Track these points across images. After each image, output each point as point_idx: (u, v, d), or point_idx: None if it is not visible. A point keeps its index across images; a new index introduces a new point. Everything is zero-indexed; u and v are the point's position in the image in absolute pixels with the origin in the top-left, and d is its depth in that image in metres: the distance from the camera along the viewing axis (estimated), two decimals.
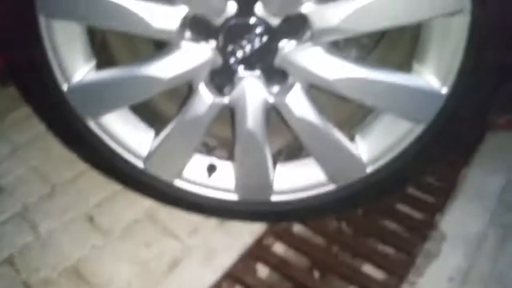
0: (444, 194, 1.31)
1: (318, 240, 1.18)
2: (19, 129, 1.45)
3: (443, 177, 1.36)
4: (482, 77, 0.83)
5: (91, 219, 1.19)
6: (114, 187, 1.24)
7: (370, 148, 0.99)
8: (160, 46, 0.96)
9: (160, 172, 1.06)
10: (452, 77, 0.83)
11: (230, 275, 1.08)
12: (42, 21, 0.87)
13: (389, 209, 1.25)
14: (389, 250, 1.16)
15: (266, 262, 1.12)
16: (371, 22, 0.78)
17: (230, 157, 1.06)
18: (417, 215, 1.25)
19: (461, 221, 1.23)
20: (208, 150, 1.13)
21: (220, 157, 1.10)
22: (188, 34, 0.86)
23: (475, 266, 1.12)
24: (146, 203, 1.22)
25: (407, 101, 0.87)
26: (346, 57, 0.89)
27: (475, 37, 0.78)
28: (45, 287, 1.03)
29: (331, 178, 1.03)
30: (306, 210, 1.10)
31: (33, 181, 1.28)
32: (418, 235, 1.19)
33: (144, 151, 1.05)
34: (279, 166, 1.07)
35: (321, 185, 1.05)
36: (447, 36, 0.81)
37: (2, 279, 1.04)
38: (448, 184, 1.34)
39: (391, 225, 1.22)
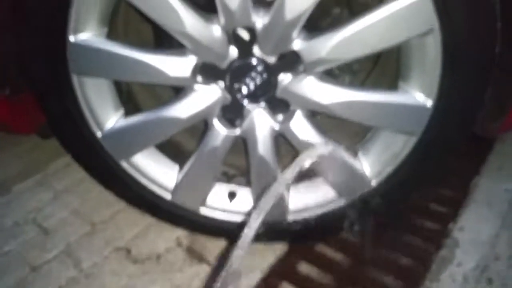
0: (456, 203, 1.38)
1: (339, 256, 1.24)
2: (59, 177, 1.59)
3: (454, 187, 1.43)
4: (462, 87, 0.93)
5: (128, 251, 1.30)
6: (148, 220, 1.36)
7: (373, 163, 1.08)
8: (177, 90, 1.10)
9: (186, 201, 1.18)
10: (434, 90, 0.93)
11: None
12: (74, 78, 1.01)
13: (404, 222, 1.32)
14: (406, 260, 1.22)
15: (291, 280, 1.19)
16: (353, 50, 0.89)
17: (248, 183, 1.17)
18: (431, 225, 1.31)
19: (474, 228, 1.29)
20: (228, 178, 1.25)
21: (239, 184, 1.21)
22: (199, 78, 0.99)
23: (488, 268, 1.17)
24: (177, 232, 1.34)
25: (397, 116, 0.97)
26: (340, 83, 1.01)
27: (448, 52, 0.88)
28: None
29: (340, 194, 1.13)
30: (323, 226, 1.18)
31: (75, 222, 1.41)
32: (432, 244, 1.25)
33: (171, 184, 1.16)
34: (292, 187, 1.17)
35: (333, 201, 1.14)
36: (424, 54, 0.90)
37: None
38: (459, 193, 1.41)
39: (407, 236, 1.28)
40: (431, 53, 0.89)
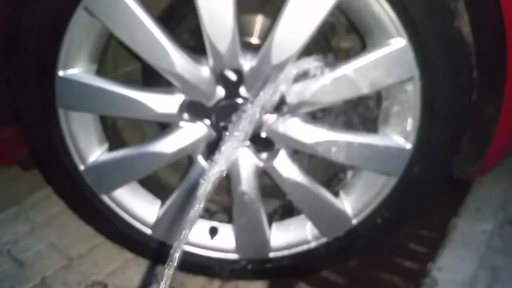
0: (435, 243, 1.40)
1: None
2: (37, 210, 1.55)
3: (433, 227, 1.46)
4: (440, 132, 0.96)
5: (105, 286, 1.27)
6: (126, 255, 1.34)
7: (354, 202, 1.10)
8: (163, 126, 1.11)
9: (167, 237, 1.17)
10: (413, 134, 0.96)
11: None
12: (61, 112, 1.02)
13: (383, 261, 1.33)
14: None
15: None
16: (335, 95, 0.93)
17: (230, 220, 1.17)
18: (410, 265, 1.33)
19: (452, 267, 1.31)
20: (210, 215, 1.25)
21: (221, 221, 1.21)
22: (186, 115, 1.01)
23: None
24: (155, 268, 1.31)
25: (376, 158, 1.00)
26: (322, 124, 1.04)
27: (427, 99, 0.92)
28: None
29: (322, 232, 1.14)
30: (304, 264, 1.19)
31: (51, 255, 1.37)
32: (412, 283, 1.27)
33: (151, 219, 1.16)
34: (275, 225, 1.18)
35: (314, 239, 1.15)
36: (404, 100, 0.94)
37: None
38: (438, 234, 1.43)
39: (387, 276, 1.29)
40: (410, 99, 0.94)
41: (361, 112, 1.11)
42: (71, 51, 0.94)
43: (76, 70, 0.97)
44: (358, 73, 0.90)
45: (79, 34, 0.93)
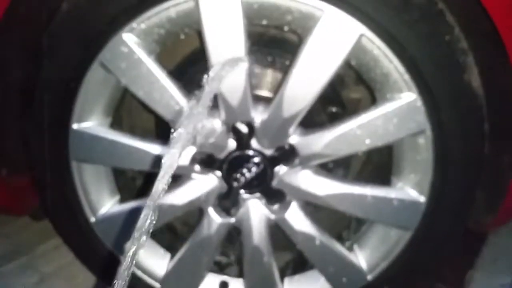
0: None
1: None
2: (47, 260, 1.53)
3: (449, 281, 1.41)
4: (453, 185, 0.95)
5: None
6: None
7: (368, 256, 1.07)
8: (174, 178, 1.11)
9: None
10: (427, 187, 0.95)
11: None
12: (74, 165, 1.03)
13: None
14: None
15: None
16: (346, 147, 0.93)
17: (241, 273, 1.14)
18: None
19: None
20: (220, 268, 1.22)
21: (232, 275, 1.18)
22: (197, 167, 1.01)
23: None
24: None
25: (390, 211, 0.98)
26: (334, 176, 1.03)
27: (439, 151, 0.91)
28: None
29: None
30: None
31: None
32: None
33: (161, 273, 1.13)
34: (287, 279, 1.15)
35: None
36: (416, 153, 0.94)
37: None
38: (455, 287, 1.39)
39: None
40: (423, 152, 0.93)
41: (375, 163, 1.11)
42: (85, 105, 0.96)
43: (90, 123, 0.99)
44: (369, 127, 0.90)
45: (94, 89, 0.96)
